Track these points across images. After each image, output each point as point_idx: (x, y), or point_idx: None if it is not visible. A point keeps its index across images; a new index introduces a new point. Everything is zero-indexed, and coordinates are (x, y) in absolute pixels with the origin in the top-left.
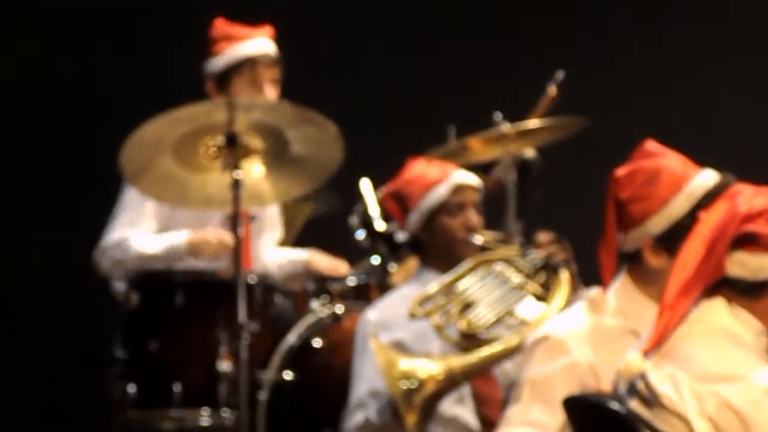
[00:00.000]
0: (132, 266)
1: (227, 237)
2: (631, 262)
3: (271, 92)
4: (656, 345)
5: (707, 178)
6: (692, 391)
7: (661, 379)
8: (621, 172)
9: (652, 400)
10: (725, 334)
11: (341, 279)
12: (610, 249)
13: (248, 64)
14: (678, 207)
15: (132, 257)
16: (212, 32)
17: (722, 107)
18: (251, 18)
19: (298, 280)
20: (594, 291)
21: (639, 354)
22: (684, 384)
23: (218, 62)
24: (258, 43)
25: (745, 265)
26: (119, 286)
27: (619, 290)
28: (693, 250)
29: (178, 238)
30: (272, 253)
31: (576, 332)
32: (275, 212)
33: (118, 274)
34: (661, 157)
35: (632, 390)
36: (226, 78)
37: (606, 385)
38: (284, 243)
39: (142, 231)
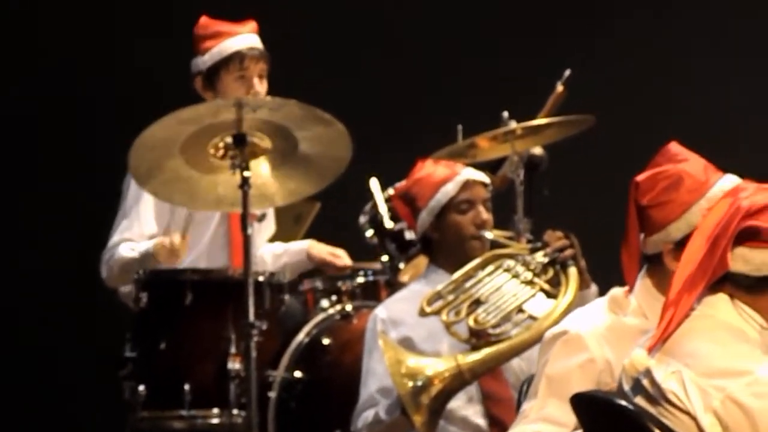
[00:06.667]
0: (118, 276)
1: (177, 240)
2: (652, 264)
3: (260, 86)
4: (660, 341)
5: (728, 183)
6: (697, 387)
7: (666, 375)
8: (642, 176)
9: (657, 396)
10: (729, 330)
11: (343, 271)
12: (632, 251)
13: (236, 59)
14: (698, 213)
15: (117, 266)
16: (197, 31)
17: (732, 105)
18: (251, 15)
19: (296, 270)
20: (617, 290)
21: (644, 351)
22: (689, 380)
23: (205, 60)
24: (244, 38)
25: (747, 260)
26: (124, 288)
27: (640, 291)
28: (696, 246)
29: (150, 244)
30: (267, 247)
31: (595, 329)
32: (270, 210)
33: (112, 283)
34: (683, 162)
35: (637, 387)
36: (214, 75)
37: None
38: (293, 241)
39: (139, 235)
